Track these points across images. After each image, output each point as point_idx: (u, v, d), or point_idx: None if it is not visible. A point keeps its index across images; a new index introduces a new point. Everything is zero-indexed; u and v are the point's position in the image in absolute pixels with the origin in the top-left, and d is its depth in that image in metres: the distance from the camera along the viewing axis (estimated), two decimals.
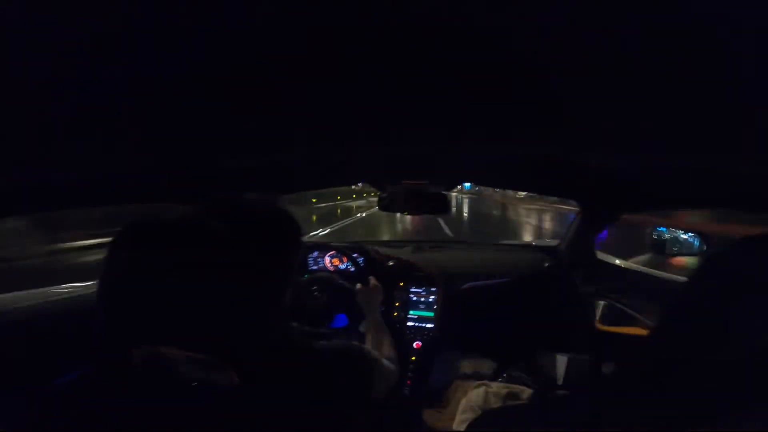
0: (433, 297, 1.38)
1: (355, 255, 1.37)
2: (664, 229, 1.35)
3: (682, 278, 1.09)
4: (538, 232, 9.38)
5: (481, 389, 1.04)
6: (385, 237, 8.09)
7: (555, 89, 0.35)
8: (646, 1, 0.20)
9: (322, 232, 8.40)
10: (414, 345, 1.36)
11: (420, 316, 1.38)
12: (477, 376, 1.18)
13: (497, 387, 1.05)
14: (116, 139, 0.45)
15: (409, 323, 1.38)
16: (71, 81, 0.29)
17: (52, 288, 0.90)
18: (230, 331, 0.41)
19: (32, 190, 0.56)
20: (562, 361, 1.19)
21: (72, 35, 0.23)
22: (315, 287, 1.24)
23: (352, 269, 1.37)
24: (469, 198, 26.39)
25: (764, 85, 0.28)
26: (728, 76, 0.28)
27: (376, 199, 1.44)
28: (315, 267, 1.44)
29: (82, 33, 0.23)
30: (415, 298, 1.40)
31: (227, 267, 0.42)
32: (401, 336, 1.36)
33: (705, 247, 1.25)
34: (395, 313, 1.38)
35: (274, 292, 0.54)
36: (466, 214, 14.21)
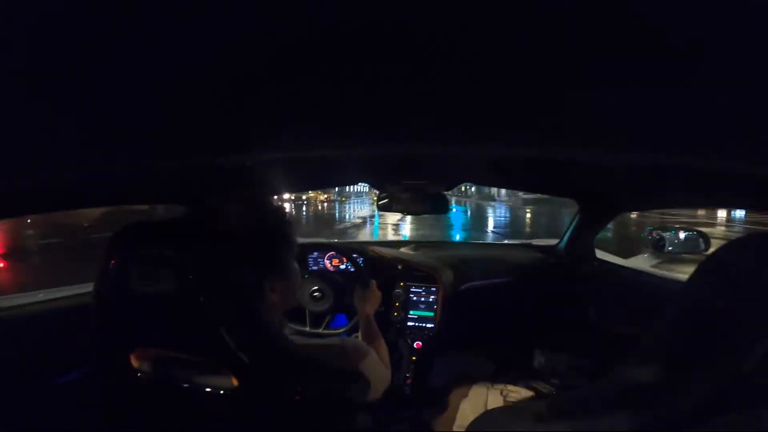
0: (433, 297, 1.38)
1: (354, 255, 1.37)
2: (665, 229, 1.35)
3: (682, 277, 1.09)
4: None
5: (482, 389, 1.04)
6: None
7: (554, 88, 0.35)
8: (647, 1, 0.20)
9: None
10: (414, 345, 1.36)
11: (420, 316, 1.38)
12: (477, 376, 1.18)
13: (497, 387, 1.05)
14: (115, 139, 0.45)
15: (410, 323, 1.38)
16: (68, 81, 0.29)
17: (52, 288, 0.90)
18: (227, 333, 0.41)
19: (31, 191, 0.56)
20: (561, 360, 1.18)
21: (71, 32, 0.23)
22: (315, 288, 1.24)
23: (352, 269, 1.37)
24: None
25: (764, 84, 0.28)
26: (728, 76, 0.28)
27: None
28: (315, 267, 1.44)
29: (79, 29, 0.23)
30: (415, 298, 1.40)
31: (224, 268, 0.42)
32: (402, 336, 1.36)
33: (706, 246, 1.25)
34: (395, 313, 1.38)
35: (269, 293, 0.53)
36: None
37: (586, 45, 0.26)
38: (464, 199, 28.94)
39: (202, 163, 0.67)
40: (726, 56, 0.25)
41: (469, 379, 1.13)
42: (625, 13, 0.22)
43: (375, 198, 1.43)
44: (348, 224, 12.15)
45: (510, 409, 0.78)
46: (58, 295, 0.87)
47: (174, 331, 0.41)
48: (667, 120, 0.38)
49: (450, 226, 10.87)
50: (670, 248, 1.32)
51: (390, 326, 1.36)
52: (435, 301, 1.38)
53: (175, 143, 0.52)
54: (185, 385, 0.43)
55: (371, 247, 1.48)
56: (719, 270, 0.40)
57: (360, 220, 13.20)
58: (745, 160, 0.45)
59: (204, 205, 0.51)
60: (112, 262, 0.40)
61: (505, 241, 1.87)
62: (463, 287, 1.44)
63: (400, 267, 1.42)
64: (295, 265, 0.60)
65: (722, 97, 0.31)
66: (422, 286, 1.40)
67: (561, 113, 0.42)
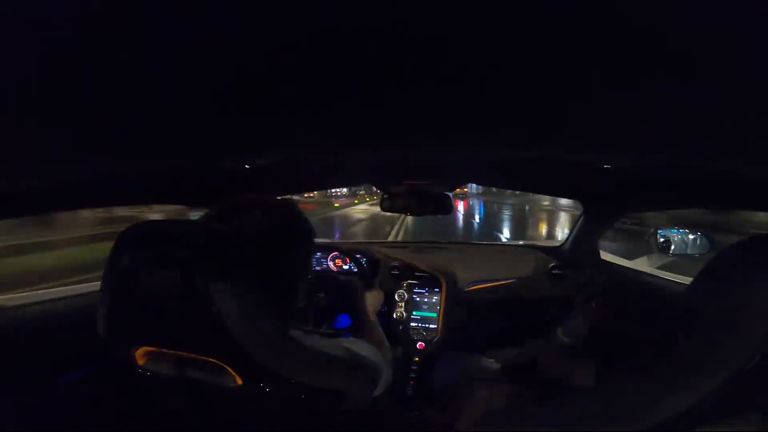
0: (436, 298, 1.38)
1: (358, 256, 1.37)
2: (672, 230, 1.34)
3: (686, 279, 1.08)
4: None
5: (484, 390, 1.04)
6: None
7: (557, 90, 0.35)
8: (647, 2, 0.20)
9: None
10: (417, 345, 1.36)
11: (423, 316, 1.38)
12: (480, 377, 1.18)
13: (500, 387, 1.05)
14: (122, 139, 0.46)
15: (413, 324, 1.38)
16: (75, 79, 0.30)
17: (53, 288, 0.91)
18: (233, 334, 0.42)
19: (32, 191, 0.57)
20: (565, 362, 1.18)
21: (75, 32, 0.23)
22: (318, 288, 1.24)
23: (355, 270, 1.37)
24: None
25: (764, 85, 0.27)
26: (728, 76, 0.27)
27: None
28: (318, 268, 1.44)
29: (80, 29, 0.23)
30: (418, 299, 1.40)
31: (230, 269, 0.42)
32: (404, 337, 1.36)
33: (712, 248, 1.23)
34: (398, 314, 1.38)
35: (281, 293, 0.53)
36: None
37: (589, 48, 0.26)
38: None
39: (204, 163, 0.68)
40: (728, 59, 0.25)
41: (472, 380, 1.13)
42: (628, 17, 0.22)
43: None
44: None
45: (513, 410, 0.78)
46: (59, 294, 0.87)
47: (179, 330, 0.41)
48: (670, 122, 0.38)
49: None
50: (675, 250, 1.31)
51: (393, 327, 1.36)
52: (438, 302, 1.38)
53: (177, 144, 0.52)
54: (188, 384, 0.43)
55: (375, 248, 1.48)
56: (723, 271, 0.40)
57: None
58: (746, 160, 0.45)
59: (222, 207, 0.51)
60: (119, 260, 0.41)
61: (509, 242, 1.86)
62: (466, 288, 1.43)
63: (403, 268, 1.42)
64: (308, 265, 0.60)
65: (723, 99, 0.31)
66: (425, 287, 1.40)
67: (565, 115, 0.41)
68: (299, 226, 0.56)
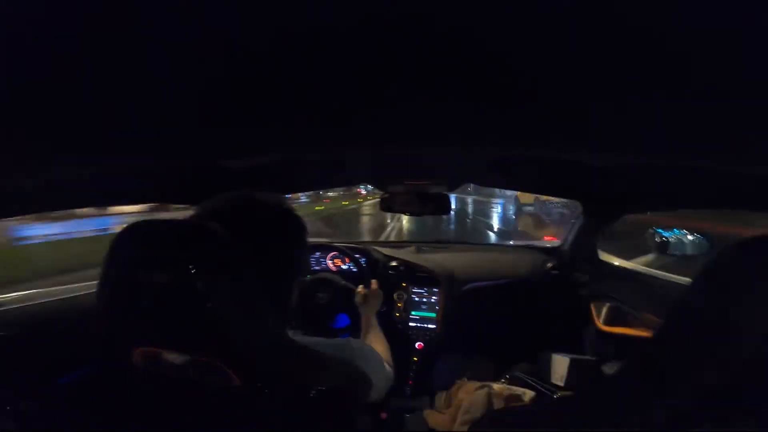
0: (435, 298, 1.38)
1: (357, 255, 1.37)
2: (675, 230, 1.34)
3: (685, 279, 1.08)
4: None
5: (483, 390, 1.04)
6: None
7: (556, 90, 0.35)
8: (647, 3, 0.20)
9: None
10: (416, 345, 1.36)
11: (422, 316, 1.38)
12: (479, 377, 1.18)
13: (499, 388, 1.05)
14: (122, 138, 0.45)
15: (411, 324, 1.38)
16: (75, 79, 0.30)
17: (53, 288, 0.91)
18: (231, 334, 0.42)
19: (32, 191, 0.56)
20: (564, 362, 1.18)
21: (77, 31, 0.23)
22: (317, 288, 1.24)
23: (354, 270, 1.37)
24: None
25: (764, 85, 0.28)
26: (728, 77, 0.28)
27: None
28: (317, 267, 1.44)
29: (86, 30, 0.23)
30: (417, 299, 1.40)
31: (228, 268, 0.42)
32: (403, 336, 1.36)
33: (711, 248, 1.24)
34: (397, 314, 1.38)
35: (278, 292, 0.54)
36: None
37: (589, 48, 0.26)
38: None
39: (204, 163, 0.68)
40: (728, 59, 0.25)
41: (471, 380, 1.13)
42: (628, 17, 0.22)
43: None
44: None
45: (512, 410, 0.78)
46: (59, 294, 0.87)
47: (178, 330, 0.41)
48: (670, 122, 0.38)
49: None
50: (673, 249, 1.31)
51: (392, 327, 1.36)
52: (437, 302, 1.38)
53: (177, 144, 0.52)
54: (188, 384, 0.43)
55: (374, 248, 1.48)
56: (722, 272, 0.40)
57: None
58: (746, 160, 0.45)
59: (215, 205, 0.51)
60: (116, 260, 0.40)
61: (508, 243, 1.86)
62: (465, 288, 1.44)
63: (402, 267, 1.42)
64: (303, 264, 0.60)
65: (723, 99, 0.31)
66: (424, 287, 1.40)
67: (565, 115, 0.42)
68: (294, 224, 0.56)
